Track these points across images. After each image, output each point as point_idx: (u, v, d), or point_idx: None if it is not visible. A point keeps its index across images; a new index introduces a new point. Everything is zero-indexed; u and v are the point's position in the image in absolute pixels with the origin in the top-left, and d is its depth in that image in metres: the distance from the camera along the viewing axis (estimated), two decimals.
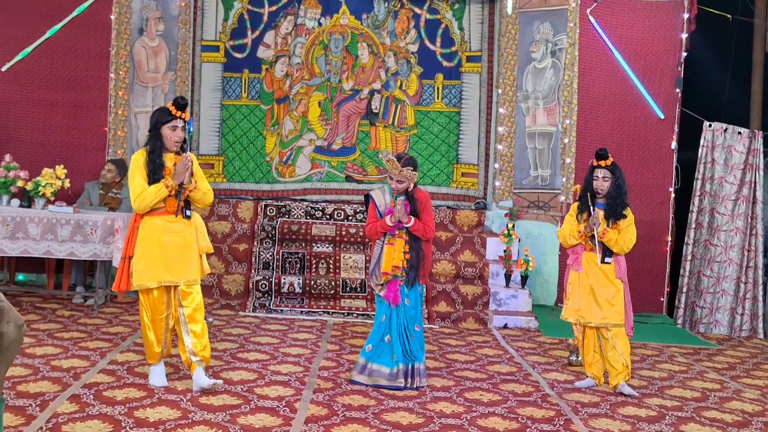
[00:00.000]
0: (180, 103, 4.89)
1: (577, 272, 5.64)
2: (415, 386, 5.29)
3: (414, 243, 5.36)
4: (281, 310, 7.73)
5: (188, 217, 4.95)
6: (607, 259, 5.55)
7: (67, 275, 7.73)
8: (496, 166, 9.04)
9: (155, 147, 4.88)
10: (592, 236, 5.52)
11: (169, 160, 4.92)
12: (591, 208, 5.54)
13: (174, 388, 4.93)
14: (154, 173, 4.83)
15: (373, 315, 7.53)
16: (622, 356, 5.47)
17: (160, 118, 4.90)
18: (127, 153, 8.62)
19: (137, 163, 4.88)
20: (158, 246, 4.86)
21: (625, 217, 5.53)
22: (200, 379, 4.85)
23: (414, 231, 5.33)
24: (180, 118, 4.89)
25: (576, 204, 5.73)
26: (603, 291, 5.53)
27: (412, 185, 5.39)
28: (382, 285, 5.38)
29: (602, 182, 5.54)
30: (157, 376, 5.00)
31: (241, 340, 6.45)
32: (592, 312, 5.55)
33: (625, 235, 5.51)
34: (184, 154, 4.88)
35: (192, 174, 4.91)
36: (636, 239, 5.59)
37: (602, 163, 5.55)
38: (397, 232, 5.34)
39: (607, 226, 5.51)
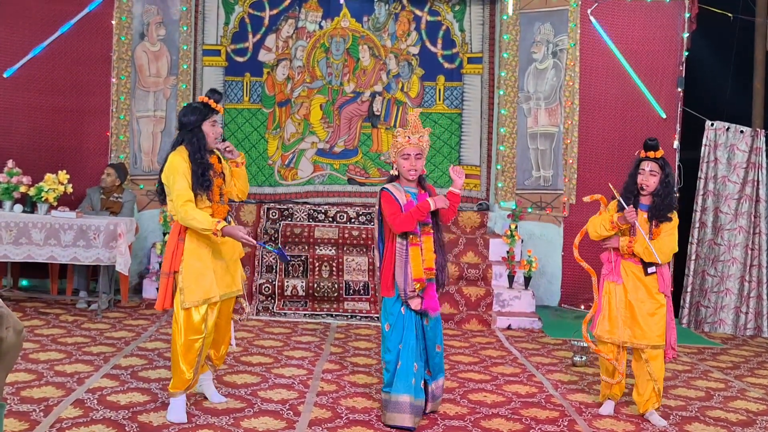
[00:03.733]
0: (218, 98, 4.52)
1: (615, 284, 4.92)
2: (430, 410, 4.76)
3: (440, 239, 4.67)
4: (284, 313, 7.73)
5: (229, 222, 4.53)
6: (650, 270, 4.82)
7: (70, 280, 7.74)
8: (498, 167, 9.04)
9: (200, 146, 4.41)
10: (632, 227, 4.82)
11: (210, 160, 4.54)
12: (623, 202, 4.82)
13: None
14: (203, 174, 4.38)
15: (377, 317, 7.53)
16: (656, 382, 4.86)
17: (200, 114, 4.45)
18: (129, 158, 8.64)
19: (179, 164, 4.35)
20: (211, 257, 4.47)
21: (670, 220, 4.81)
22: (209, 388, 4.76)
23: (456, 203, 4.62)
24: (217, 112, 4.53)
25: (614, 202, 4.96)
26: (643, 307, 4.83)
27: (424, 169, 4.71)
28: (417, 296, 4.55)
29: (649, 177, 4.80)
30: (177, 409, 4.44)
31: (245, 343, 6.45)
32: (628, 330, 4.85)
33: (663, 238, 4.79)
34: (257, 245, 4.50)
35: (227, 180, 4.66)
36: (677, 246, 4.87)
37: (651, 154, 4.82)
38: (422, 228, 4.58)
39: (650, 229, 4.82)
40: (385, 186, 4.66)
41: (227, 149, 4.62)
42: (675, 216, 4.84)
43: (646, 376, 4.88)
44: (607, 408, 5.04)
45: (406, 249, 4.54)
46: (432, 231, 4.62)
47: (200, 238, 4.44)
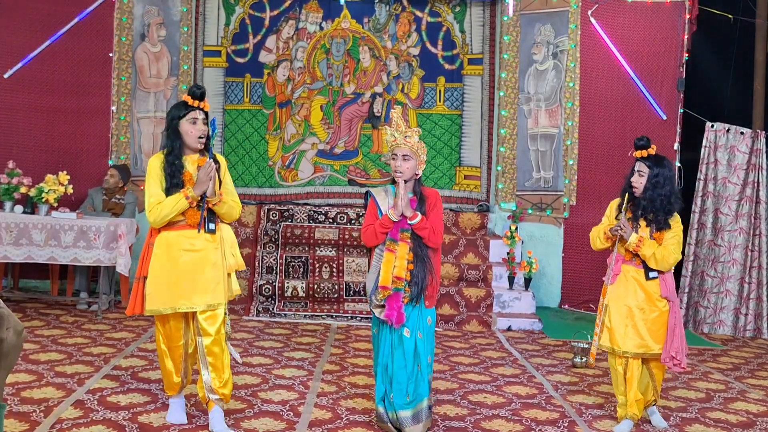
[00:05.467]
0: (197, 92, 4.20)
1: (614, 289, 4.72)
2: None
3: (420, 251, 4.33)
4: (285, 314, 7.73)
5: (212, 231, 4.24)
6: (652, 274, 4.61)
7: (70, 281, 7.74)
8: (499, 168, 9.05)
9: (174, 147, 4.19)
10: (621, 239, 4.66)
11: (190, 163, 4.24)
12: (624, 208, 4.69)
13: None
14: (173, 177, 4.15)
15: None
16: (655, 383, 4.78)
17: (176, 112, 4.20)
18: (129, 159, 8.64)
19: (153, 168, 4.20)
20: (174, 266, 4.19)
21: (669, 227, 4.60)
22: (217, 423, 4.23)
23: (419, 230, 4.28)
24: (199, 108, 4.20)
25: (616, 201, 4.86)
26: (643, 314, 4.63)
27: (420, 172, 4.37)
28: (382, 306, 4.32)
29: (637, 178, 4.66)
30: (176, 411, 4.42)
31: (245, 344, 6.45)
32: (630, 338, 4.62)
33: (665, 249, 4.56)
34: (208, 159, 4.15)
35: (217, 184, 4.21)
36: (680, 255, 4.66)
37: (637, 154, 4.70)
38: (399, 235, 4.31)
39: (650, 235, 4.61)
40: (370, 190, 4.53)
41: (209, 170, 4.17)
42: (676, 222, 4.63)
43: (645, 378, 4.76)
44: (624, 428, 4.69)
45: (382, 255, 4.36)
46: (409, 239, 4.31)
47: (169, 243, 4.23)
